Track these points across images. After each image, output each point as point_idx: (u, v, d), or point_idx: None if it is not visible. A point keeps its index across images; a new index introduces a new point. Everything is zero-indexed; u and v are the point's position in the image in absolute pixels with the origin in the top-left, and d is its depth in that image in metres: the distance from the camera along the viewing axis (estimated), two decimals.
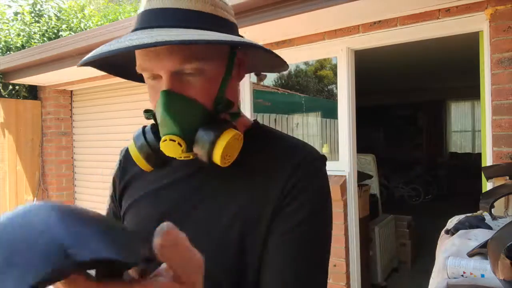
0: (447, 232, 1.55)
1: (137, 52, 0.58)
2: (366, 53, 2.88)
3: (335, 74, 2.73)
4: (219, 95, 0.61)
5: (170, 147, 0.58)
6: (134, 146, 0.65)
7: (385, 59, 4.59)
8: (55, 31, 4.91)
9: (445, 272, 1.17)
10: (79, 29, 5.06)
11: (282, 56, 0.69)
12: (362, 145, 3.16)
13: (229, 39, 0.57)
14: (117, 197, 0.77)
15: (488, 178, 1.90)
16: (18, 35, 4.64)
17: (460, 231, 1.45)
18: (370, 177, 3.73)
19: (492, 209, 1.59)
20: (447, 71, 5.89)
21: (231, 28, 0.63)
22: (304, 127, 4.08)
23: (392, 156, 8.80)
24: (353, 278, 2.71)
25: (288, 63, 0.73)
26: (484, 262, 1.12)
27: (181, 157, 0.61)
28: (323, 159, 0.65)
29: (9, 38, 4.59)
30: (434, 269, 1.34)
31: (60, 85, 4.54)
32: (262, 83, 3.79)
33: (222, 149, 0.57)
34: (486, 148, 2.14)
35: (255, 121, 0.73)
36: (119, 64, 0.71)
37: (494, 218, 1.59)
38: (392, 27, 2.37)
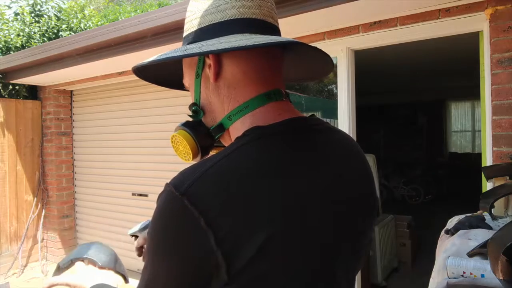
0: (447, 232, 1.55)
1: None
2: (366, 53, 2.88)
3: (335, 74, 2.73)
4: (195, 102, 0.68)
5: None
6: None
7: (385, 59, 4.59)
8: (55, 31, 4.90)
9: (445, 272, 1.17)
10: (79, 29, 5.06)
11: None
12: (362, 145, 3.15)
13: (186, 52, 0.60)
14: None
15: (488, 178, 1.90)
16: (18, 35, 4.64)
17: (460, 231, 1.45)
18: None
19: (492, 209, 1.59)
20: (447, 71, 5.88)
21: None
22: None
23: (392, 156, 8.80)
24: None
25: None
26: (484, 262, 1.12)
27: None
28: (168, 188, 0.51)
29: (9, 38, 4.59)
30: (434, 269, 1.34)
31: (60, 85, 4.54)
32: None
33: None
34: (486, 148, 2.14)
35: (248, 130, 0.59)
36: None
37: (494, 218, 1.59)
38: (392, 27, 2.37)
